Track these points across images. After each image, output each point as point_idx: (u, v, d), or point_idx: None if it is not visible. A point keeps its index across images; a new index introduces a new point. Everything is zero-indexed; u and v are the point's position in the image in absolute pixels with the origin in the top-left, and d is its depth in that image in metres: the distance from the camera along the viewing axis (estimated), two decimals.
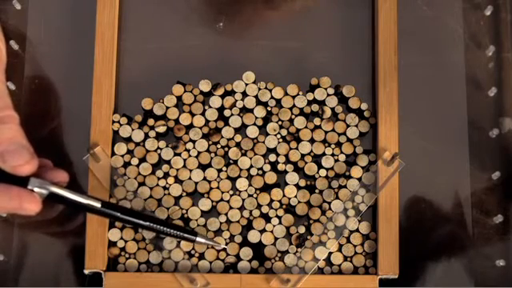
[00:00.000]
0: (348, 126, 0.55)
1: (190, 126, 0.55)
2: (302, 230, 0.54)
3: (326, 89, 0.55)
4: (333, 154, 0.54)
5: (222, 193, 0.54)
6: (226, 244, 0.53)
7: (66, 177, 0.44)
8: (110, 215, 0.46)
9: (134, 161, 0.54)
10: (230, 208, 0.54)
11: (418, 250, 0.55)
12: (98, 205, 0.45)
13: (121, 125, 0.55)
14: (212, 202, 0.54)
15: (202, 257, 0.53)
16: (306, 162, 0.54)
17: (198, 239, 0.49)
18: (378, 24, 0.55)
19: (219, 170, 0.54)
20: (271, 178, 0.54)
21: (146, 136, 0.55)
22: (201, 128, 0.55)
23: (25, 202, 0.41)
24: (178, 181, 0.54)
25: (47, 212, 0.54)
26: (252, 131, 0.55)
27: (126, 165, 0.54)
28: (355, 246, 0.53)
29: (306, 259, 0.53)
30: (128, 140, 0.55)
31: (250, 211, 0.54)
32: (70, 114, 0.56)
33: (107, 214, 0.46)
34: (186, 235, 0.48)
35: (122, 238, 0.53)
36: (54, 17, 0.58)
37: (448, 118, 0.57)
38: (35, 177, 0.42)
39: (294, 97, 0.55)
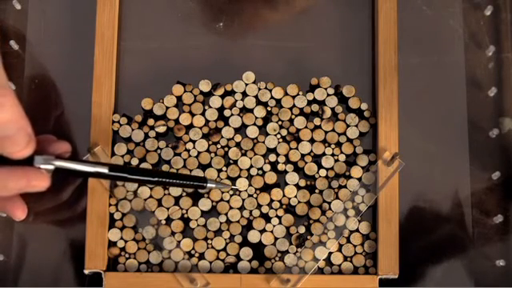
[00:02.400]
0: (348, 125, 0.55)
1: (190, 126, 0.55)
2: (302, 229, 0.54)
3: (326, 89, 0.55)
4: (333, 154, 0.54)
5: (222, 193, 0.54)
6: (234, 189, 0.54)
7: (69, 147, 0.44)
8: (118, 178, 0.46)
9: (134, 161, 0.54)
10: (230, 208, 0.54)
11: (418, 250, 0.55)
12: (105, 170, 0.44)
13: (121, 125, 0.55)
14: (212, 202, 0.54)
15: (202, 257, 0.53)
16: (306, 162, 0.54)
17: (209, 185, 0.50)
18: (378, 24, 0.55)
19: (219, 170, 0.54)
20: (271, 178, 0.54)
21: (146, 136, 0.55)
22: (201, 128, 0.55)
23: (32, 179, 0.41)
24: None
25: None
26: (252, 131, 0.55)
27: (126, 165, 0.54)
28: (355, 246, 0.53)
29: (306, 259, 0.53)
30: (128, 140, 0.55)
31: (250, 211, 0.54)
32: (69, 113, 0.56)
33: (116, 177, 0.46)
34: (196, 183, 0.49)
35: (122, 238, 0.53)
36: (53, 17, 0.58)
37: (448, 117, 0.57)
38: (39, 152, 0.42)
39: (294, 97, 0.55)
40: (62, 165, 0.43)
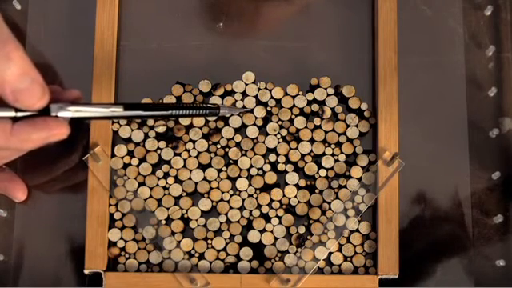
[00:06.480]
0: (348, 125, 0.55)
1: (190, 126, 0.55)
2: (302, 229, 0.54)
3: (326, 89, 0.55)
4: (333, 154, 0.54)
5: (222, 193, 0.54)
6: (245, 109, 0.54)
7: (79, 93, 0.45)
8: (133, 116, 0.47)
9: (134, 161, 0.54)
10: (230, 208, 0.54)
11: (418, 250, 0.55)
12: (120, 109, 0.45)
13: (120, 125, 0.55)
14: (212, 202, 0.54)
15: (202, 257, 0.53)
16: (306, 162, 0.54)
17: (222, 111, 0.51)
18: (378, 24, 0.55)
19: (219, 170, 0.54)
20: (271, 178, 0.54)
21: (146, 136, 0.55)
22: (201, 128, 0.55)
23: (53, 129, 0.41)
24: (177, 181, 0.54)
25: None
26: (252, 131, 0.55)
27: (126, 166, 0.54)
28: (355, 246, 0.53)
29: (306, 259, 0.53)
30: (128, 140, 0.55)
31: (250, 211, 0.54)
32: None
33: (131, 116, 0.47)
34: (209, 111, 0.50)
35: (121, 238, 0.53)
36: (53, 17, 0.58)
37: (448, 117, 0.57)
38: (52, 102, 0.42)
39: (294, 97, 0.55)
40: (78, 109, 0.43)
